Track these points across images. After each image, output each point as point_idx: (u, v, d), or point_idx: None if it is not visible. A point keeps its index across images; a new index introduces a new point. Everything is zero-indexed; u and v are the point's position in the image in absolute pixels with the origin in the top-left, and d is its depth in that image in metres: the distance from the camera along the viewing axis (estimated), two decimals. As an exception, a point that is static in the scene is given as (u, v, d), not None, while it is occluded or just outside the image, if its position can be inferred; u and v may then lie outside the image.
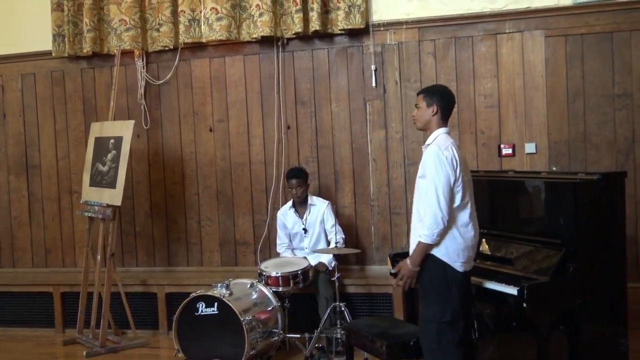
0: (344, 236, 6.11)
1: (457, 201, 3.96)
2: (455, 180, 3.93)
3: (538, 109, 6.10)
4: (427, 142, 4.10)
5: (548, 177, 4.68)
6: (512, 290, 4.16)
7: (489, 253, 4.76)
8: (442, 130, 4.08)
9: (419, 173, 4.05)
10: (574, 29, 6.01)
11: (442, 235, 3.93)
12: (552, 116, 6.07)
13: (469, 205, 4.02)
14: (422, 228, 3.95)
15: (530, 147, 6.10)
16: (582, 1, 5.95)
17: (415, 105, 4.22)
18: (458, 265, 3.97)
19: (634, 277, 5.69)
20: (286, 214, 6.29)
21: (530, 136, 6.12)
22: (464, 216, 3.99)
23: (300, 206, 6.22)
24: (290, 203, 6.28)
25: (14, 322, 6.99)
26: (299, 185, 6.12)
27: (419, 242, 3.97)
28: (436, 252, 3.97)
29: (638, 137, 5.92)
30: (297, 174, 6.16)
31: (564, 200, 4.34)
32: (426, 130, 4.17)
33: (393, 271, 4.35)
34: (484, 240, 4.83)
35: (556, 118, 6.07)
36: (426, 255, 3.99)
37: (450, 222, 3.93)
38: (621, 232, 4.42)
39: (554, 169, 5.86)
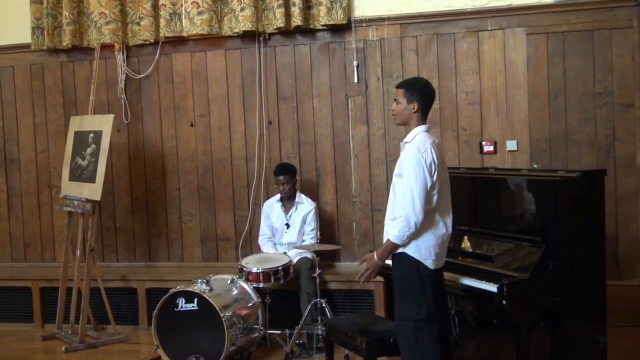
0: (319, 239, 6.08)
1: (433, 204, 3.95)
2: (433, 185, 3.91)
3: (519, 106, 6.12)
4: (406, 139, 4.06)
5: (528, 174, 4.68)
6: (492, 288, 4.15)
7: (470, 250, 4.75)
8: (422, 128, 4.03)
9: (396, 171, 4.02)
10: (556, 26, 6.03)
11: (412, 237, 3.94)
12: (533, 113, 6.09)
13: (442, 204, 4.01)
14: (393, 228, 3.96)
15: (511, 145, 6.12)
16: (563, -1, 5.98)
17: (395, 99, 4.14)
18: (430, 262, 3.96)
19: (614, 275, 5.80)
20: (272, 207, 6.27)
21: (512, 133, 6.14)
22: (437, 215, 3.99)
23: (288, 201, 6.21)
24: (278, 196, 6.27)
25: (-7, 317, 6.95)
26: (286, 182, 6.10)
27: (389, 240, 3.99)
28: (408, 249, 3.96)
29: (618, 134, 5.95)
30: (285, 170, 6.14)
31: (544, 198, 4.34)
32: (405, 125, 4.13)
33: (358, 263, 4.31)
34: (465, 237, 4.84)
35: (537, 115, 6.09)
36: (398, 254, 4.00)
37: (422, 220, 3.92)
38: (601, 230, 4.42)
39: (535, 166, 5.87)
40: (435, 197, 3.94)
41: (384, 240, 4.10)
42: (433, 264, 3.98)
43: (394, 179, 4.04)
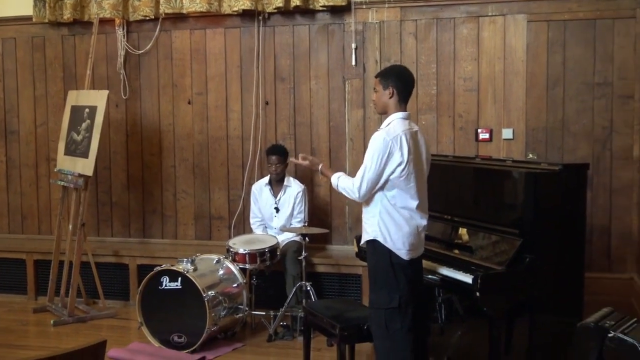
0: (306, 222, 5.99)
1: (402, 186, 3.90)
2: (400, 164, 3.86)
3: (517, 95, 6.02)
4: (382, 126, 4.04)
5: (511, 166, 4.62)
6: (467, 279, 4.13)
7: (451, 240, 4.72)
8: (399, 115, 4.00)
9: None
10: (557, 14, 5.91)
11: (384, 226, 3.93)
12: (530, 102, 6.00)
13: (416, 194, 3.95)
14: (344, 178, 4.06)
15: (507, 133, 6.03)
16: (566, -14, 5.85)
17: (374, 88, 4.15)
18: (403, 252, 3.92)
19: (605, 268, 5.77)
20: (261, 190, 6.25)
21: (508, 122, 6.05)
22: (411, 204, 3.93)
23: (276, 184, 6.18)
24: (266, 179, 6.24)
25: (-13, 288, 7.02)
26: (279, 162, 6.07)
27: (334, 176, 4.12)
28: (381, 239, 3.93)
29: (616, 126, 5.84)
30: (278, 151, 6.12)
31: (524, 191, 4.28)
32: (385, 113, 4.11)
33: (302, 155, 4.42)
34: (448, 226, 4.80)
35: (535, 104, 5.99)
36: (372, 242, 3.97)
37: (394, 210, 3.90)
38: (581, 224, 4.37)
39: (530, 155, 5.81)
40: (404, 179, 3.89)
41: (365, 226, 4.08)
42: (407, 255, 3.94)
43: None
